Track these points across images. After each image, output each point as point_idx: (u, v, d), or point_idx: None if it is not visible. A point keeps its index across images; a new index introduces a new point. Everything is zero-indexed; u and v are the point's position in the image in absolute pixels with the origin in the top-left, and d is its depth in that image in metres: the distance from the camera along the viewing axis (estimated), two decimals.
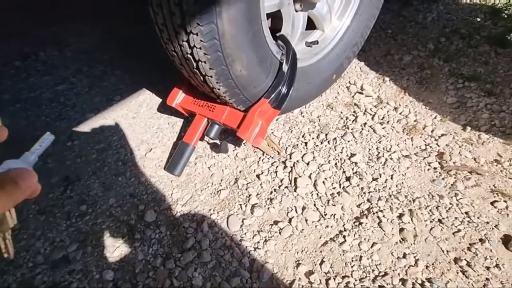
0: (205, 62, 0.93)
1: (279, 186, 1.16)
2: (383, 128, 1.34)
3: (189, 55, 0.94)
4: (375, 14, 1.44)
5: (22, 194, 0.30)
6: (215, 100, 1.15)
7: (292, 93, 1.15)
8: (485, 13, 2.01)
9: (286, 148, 1.29)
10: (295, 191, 1.14)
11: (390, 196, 1.12)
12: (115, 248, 1.00)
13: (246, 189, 1.15)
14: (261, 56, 1.03)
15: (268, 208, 1.10)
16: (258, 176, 1.20)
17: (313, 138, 1.32)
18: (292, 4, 1.14)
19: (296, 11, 1.18)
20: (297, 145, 1.30)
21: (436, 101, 1.46)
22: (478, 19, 1.95)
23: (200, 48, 0.90)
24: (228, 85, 1.01)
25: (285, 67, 1.11)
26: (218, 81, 0.98)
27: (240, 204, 1.11)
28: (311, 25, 1.33)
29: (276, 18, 1.17)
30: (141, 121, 1.41)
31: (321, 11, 1.28)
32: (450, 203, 1.09)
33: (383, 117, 1.39)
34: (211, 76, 0.97)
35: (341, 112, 1.43)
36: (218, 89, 1.02)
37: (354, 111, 1.43)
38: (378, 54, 1.75)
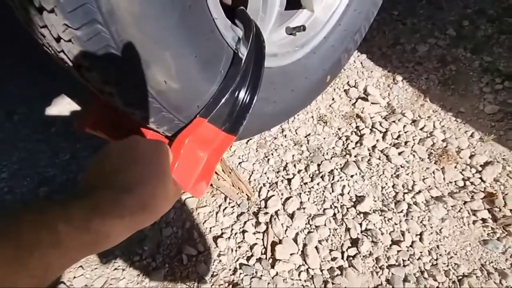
0: (87, 69, 0.48)
1: (248, 259, 0.74)
2: (400, 153, 0.93)
3: (61, 54, 0.49)
4: None
5: None
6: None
7: (261, 105, 0.72)
8: None
9: (260, 188, 0.86)
10: (272, 267, 0.72)
11: (422, 272, 0.71)
12: None
13: (194, 267, 0.72)
14: (207, 53, 0.59)
15: None
16: (215, 240, 0.77)
17: (299, 172, 0.90)
18: None
19: None
20: (276, 183, 0.87)
21: (469, 110, 1.05)
22: None
23: (70, 41, 0.45)
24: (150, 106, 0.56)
25: (241, 60, 0.65)
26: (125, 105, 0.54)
27: None
28: (294, 3, 0.89)
29: None
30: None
31: None
32: None
33: (399, 136, 0.98)
34: (111, 93, 0.53)
35: (339, 129, 1.01)
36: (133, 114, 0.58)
37: (357, 127, 1.01)
38: (384, 43, 1.32)
